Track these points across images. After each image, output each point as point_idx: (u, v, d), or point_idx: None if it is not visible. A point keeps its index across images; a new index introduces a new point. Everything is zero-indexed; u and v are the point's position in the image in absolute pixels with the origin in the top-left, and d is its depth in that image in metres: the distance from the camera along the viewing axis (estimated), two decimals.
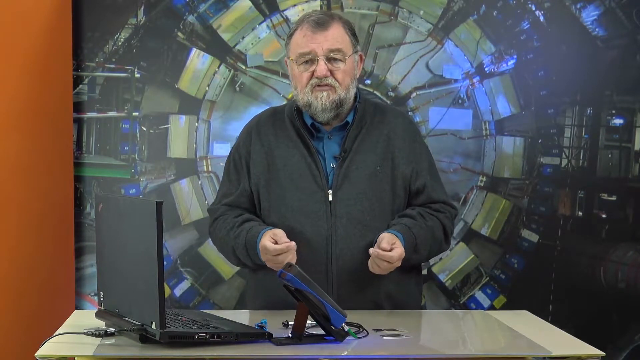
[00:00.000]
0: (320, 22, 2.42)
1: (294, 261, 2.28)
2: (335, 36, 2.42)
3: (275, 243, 2.32)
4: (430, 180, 2.51)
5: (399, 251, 2.32)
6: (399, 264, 2.34)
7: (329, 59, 2.41)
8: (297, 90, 2.46)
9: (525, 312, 2.47)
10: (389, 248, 2.31)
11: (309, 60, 2.42)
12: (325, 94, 2.41)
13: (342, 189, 2.43)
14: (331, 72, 2.41)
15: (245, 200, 2.52)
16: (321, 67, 2.40)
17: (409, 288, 2.52)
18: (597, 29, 3.51)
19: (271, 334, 1.99)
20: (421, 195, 2.49)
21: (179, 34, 3.45)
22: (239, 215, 2.49)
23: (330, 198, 2.42)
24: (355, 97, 2.50)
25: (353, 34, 2.48)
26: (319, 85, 2.41)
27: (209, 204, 3.45)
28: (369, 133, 2.49)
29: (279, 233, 2.34)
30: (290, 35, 2.47)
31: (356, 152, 2.46)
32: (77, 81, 3.42)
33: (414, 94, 3.51)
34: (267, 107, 2.67)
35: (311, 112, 2.46)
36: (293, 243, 2.32)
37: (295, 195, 2.44)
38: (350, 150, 2.46)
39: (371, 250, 2.33)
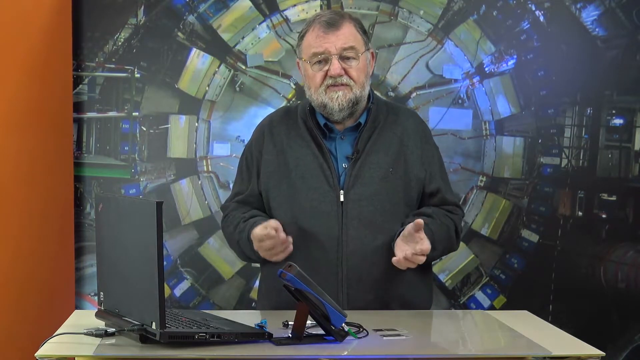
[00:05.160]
0: (331, 21, 2.41)
1: (286, 252, 2.32)
2: (347, 35, 2.41)
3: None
4: (443, 183, 2.51)
5: (427, 242, 2.30)
6: (423, 259, 2.32)
7: (342, 58, 2.40)
8: (311, 90, 2.44)
9: (525, 312, 2.47)
10: (418, 228, 2.27)
11: (323, 60, 2.41)
12: (340, 93, 2.40)
13: (354, 190, 2.41)
14: (345, 70, 2.40)
15: (255, 200, 2.51)
16: (335, 66, 2.39)
17: (419, 289, 2.50)
18: (597, 29, 3.51)
19: (271, 334, 1.98)
20: (435, 197, 2.49)
21: (179, 34, 3.45)
22: (247, 212, 2.48)
23: (342, 199, 2.41)
24: (369, 97, 2.50)
25: (364, 32, 2.47)
26: (334, 85, 2.41)
27: (209, 204, 3.48)
28: (382, 134, 2.47)
29: (273, 223, 2.33)
30: (302, 37, 2.46)
31: (369, 153, 2.45)
32: (77, 81, 3.42)
33: (414, 94, 3.51)
34: (269, 108, 2.67)
35: (326, 113, 2.44)
36: (276, 234, 2.31)
37: (307, 195, 2.42)
38: (363, 151, 2.44)
39: (408, 252, 2.28)
